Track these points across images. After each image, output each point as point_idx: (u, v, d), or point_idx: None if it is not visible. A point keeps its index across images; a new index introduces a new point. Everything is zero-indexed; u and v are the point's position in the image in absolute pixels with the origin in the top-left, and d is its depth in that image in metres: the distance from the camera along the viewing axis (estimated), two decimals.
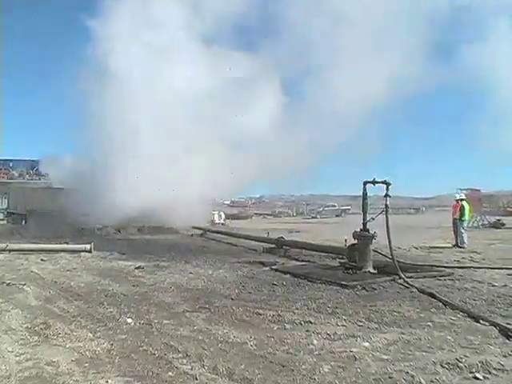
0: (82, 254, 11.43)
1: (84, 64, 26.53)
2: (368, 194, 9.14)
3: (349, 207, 47.59)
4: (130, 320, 5.24)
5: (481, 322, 5.12)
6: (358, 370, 3.70)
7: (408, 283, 7.35)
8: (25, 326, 5.01)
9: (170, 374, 3.66)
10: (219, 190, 25.83)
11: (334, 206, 50.77)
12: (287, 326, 5.00)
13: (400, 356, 4.04)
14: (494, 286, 7.31)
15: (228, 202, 33.58)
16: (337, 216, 44.40)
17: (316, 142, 26.56)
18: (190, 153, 22.96)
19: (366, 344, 4.37)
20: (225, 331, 4.81)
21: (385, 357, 4.02)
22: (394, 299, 6.35)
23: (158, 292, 6.86)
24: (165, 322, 5.20)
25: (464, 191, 18.89)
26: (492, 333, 4.72)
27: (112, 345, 4.35)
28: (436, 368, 3.72)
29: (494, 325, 4.94)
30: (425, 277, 8.07)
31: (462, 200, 14.76)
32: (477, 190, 27.50)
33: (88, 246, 11.90)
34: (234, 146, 26.14)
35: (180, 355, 4.08)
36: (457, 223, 14.35)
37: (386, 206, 8.68)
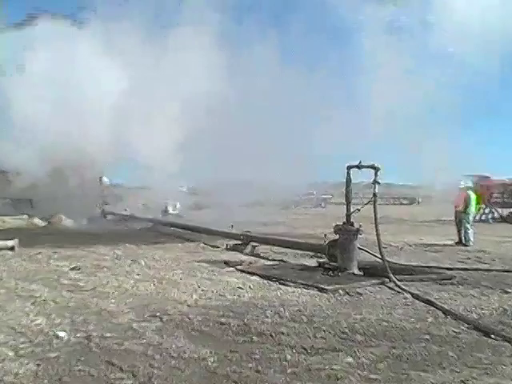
0: (2, 252, 11.09)
1: None
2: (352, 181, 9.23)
3: (330, 196, 48.15)
4: (62, 333, 5.13)
5: (491, 336, 5.07)
6: None
7: (400, 287, 7.46)
8: None
9: None
10: None
11: (313, 194, 51.10)
12: (255, 339, 5.02)
13: (391, 375, 4.04)
14: (506, 292, 7.29)
15: (185, 189, 32.58)
16: (316, 207, 44.75)
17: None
18: None
19: (350, 360, 4.40)
20: (179, 345, 4.79)
21: (373, 376, 4.03)
22: (383, 306, 6.45)
23: (98, 298, 6.76)
24: (107, 335, 5.12)
25: (470, 178, 18.16)
26: (505, 349, 4.70)
27: (39, 365, 4.23)
28: None
29: (508, 340, 4.89)
30: (421, 280, 8.15)
31: (467, 188, 14.48)
32: (486, 176, 26.74)
33: (10, 243, 11.59)
34: None
35: (125, 375, 4.02)
36: (461, 216, 14.14)
37: (375, 194, 8.72)
